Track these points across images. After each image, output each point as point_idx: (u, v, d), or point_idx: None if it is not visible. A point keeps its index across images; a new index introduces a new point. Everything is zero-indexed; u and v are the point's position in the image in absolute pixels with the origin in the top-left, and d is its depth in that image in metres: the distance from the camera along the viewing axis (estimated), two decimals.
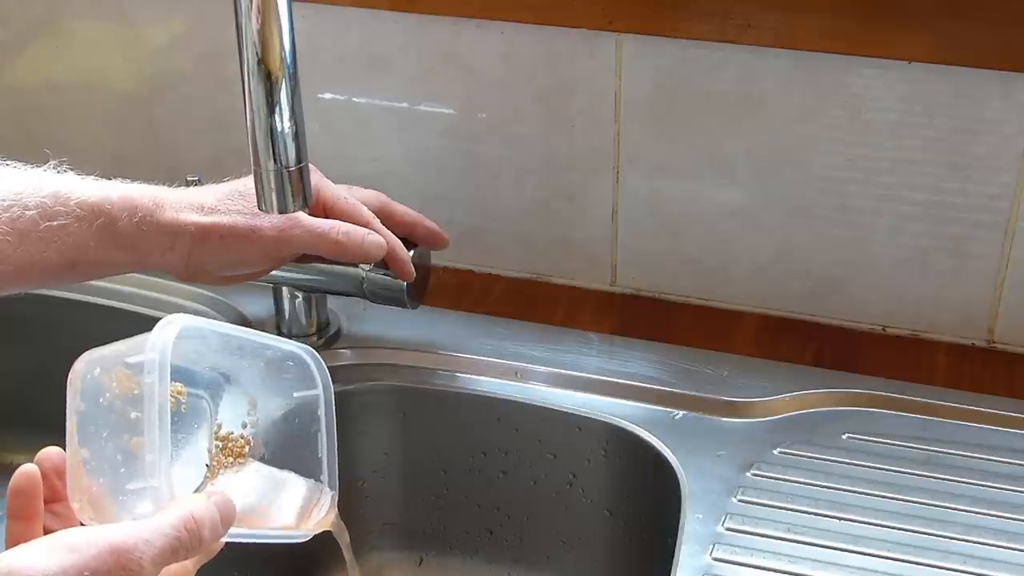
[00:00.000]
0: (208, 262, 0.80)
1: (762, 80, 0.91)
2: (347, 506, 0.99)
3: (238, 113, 0.67)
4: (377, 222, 0.87)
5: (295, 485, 0.71)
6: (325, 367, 0.71)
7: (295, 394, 0.71)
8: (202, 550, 0.59)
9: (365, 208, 0.87)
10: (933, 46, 0.86)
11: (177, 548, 0.57)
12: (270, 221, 0.80)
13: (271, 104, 0.66)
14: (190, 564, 0.61)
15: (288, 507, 0.70)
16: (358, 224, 0.85)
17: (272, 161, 0.67)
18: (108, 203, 0.77)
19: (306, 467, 0.71)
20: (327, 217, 0.86)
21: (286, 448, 0.71)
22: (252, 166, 0.70)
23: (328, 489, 0.71)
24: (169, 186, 0.82)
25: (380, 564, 1.00)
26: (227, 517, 0.60)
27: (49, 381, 1.07)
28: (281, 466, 0.71)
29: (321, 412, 0.71)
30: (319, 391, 0.71)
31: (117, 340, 0.67)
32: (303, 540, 0.69)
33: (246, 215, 0.80)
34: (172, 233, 0.79)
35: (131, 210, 0.78)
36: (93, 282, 1.02)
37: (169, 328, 0.60)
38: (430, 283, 0.92)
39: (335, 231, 0.83)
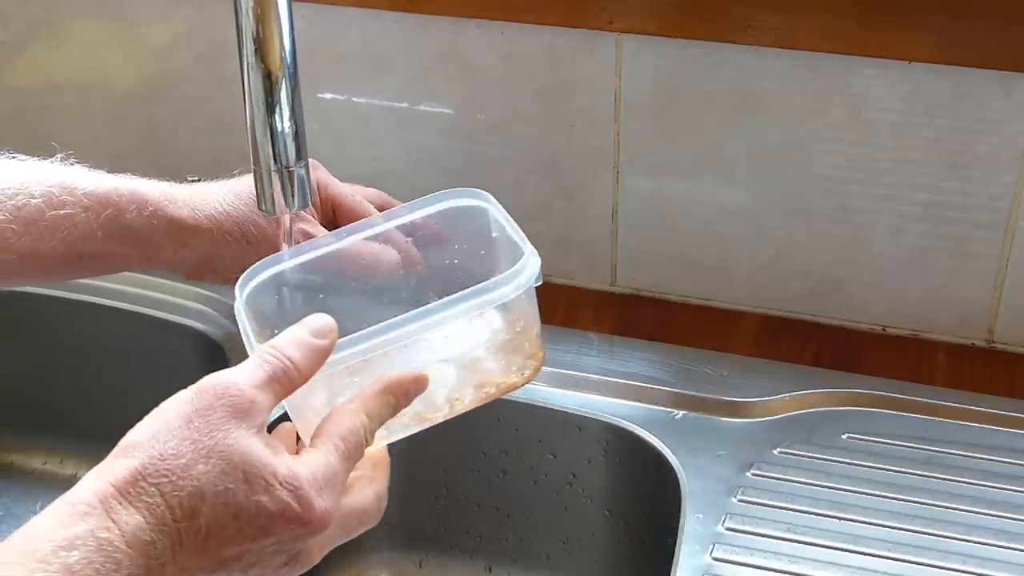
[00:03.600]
0: (224, 262, 0.79)
1: (762, 80, 0.91)
2: None
3: (238, 113, 0.67)
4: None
5: None
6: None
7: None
8: (300, 365, 0.58)
9: (371, 207, 0.87)
10: (933, 46, 0.86)
11: (268, 368, 0.57)
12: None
13: (271, 104, 0.66)
14: (359, 416, 0.59)
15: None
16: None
17: (272, 161, 0.67)
18: (116, 194, 0.76)
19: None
20: (334, 215, 0.86)
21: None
22: (252, 166, 0.69)
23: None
24: None
25: (380, 564, 1.00)
26: (319, 330, 0.59)
27: (49, 381, 1.08)
28: None
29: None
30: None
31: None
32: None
33: (261, 216, 0.79)
34: (187, 231, 0.78)
35: (140, 203, 0.77)
36: (94, 282, 1.02)
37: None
38: None
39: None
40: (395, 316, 0.61)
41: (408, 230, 0.72)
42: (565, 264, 1.04)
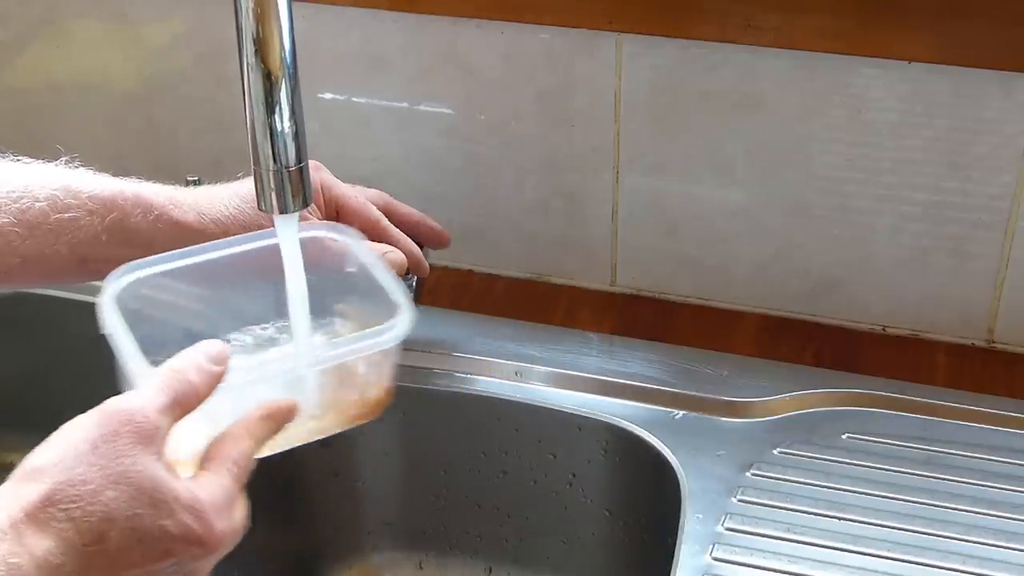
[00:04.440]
0: None
1: (762, 80, 0.91)
2: (347, 506, 0.99)
3: (238, 113, 0.67)
4: (386, 221, 0.87)
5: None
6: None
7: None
8: (199, 390, 0.60)
9: (374, 207, 0.87)
10: (933, 46, 0.86)
11: (171, 393, 0.58)
12: None
13: (271, 104, 0.65)
14: (247, 441, 0.62)
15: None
16: (367, 222, 0.85)
17: (272, 161, 0.67)
18: (121, 198, 0.76)
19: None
20: (338, 216, 0.86)
21: None
22: (252, 166, 0.69)
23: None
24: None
25: (380, 564, 1.00)
26: (214, 356, 0.61)
27: (49, 381, 1.08)
28: None
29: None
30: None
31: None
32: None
33: (266, 219, 0.79)
34: (193, 235, 0.78)
35: (145, 207, 0.77)
36: (95, 282, 1.02)
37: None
38: (426, 283, 0.92)
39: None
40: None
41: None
42: (565, 264, 1.04)
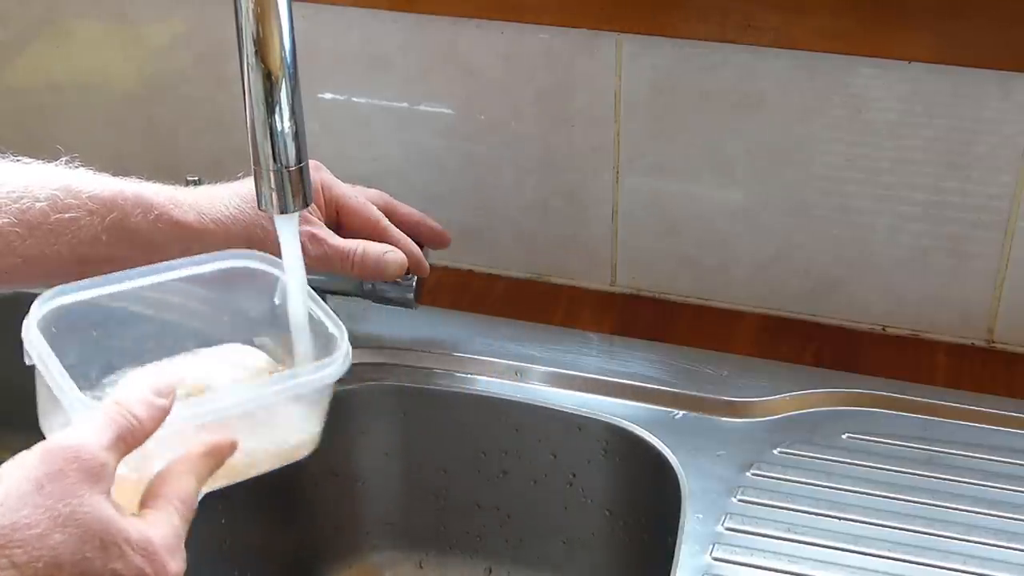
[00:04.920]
0: None
1: (762, 80, 0.91)
2: (347, 506, 0.99)
3: (238, 113, 0.67)
4: (386, 221, 0.87)
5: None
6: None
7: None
8: (145, 425, 0.58)
9: (374, 207, 0.87)
10: (933, 46, 0.86)
11: (115, 428, 0.56)
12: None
13: (271, 104, 0.65)
14: (190, 478, 0.60)
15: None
16: (367, 222, 0.86)
17: (272, 161, 0.67)
18: (121, 198, 0.76)
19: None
20: (338, 215, 0.86)
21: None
22: (252, 166, 0.69)
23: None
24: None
25: (380, 564, 1.00)
26: (159, 391, 0.59)
27: None
28: None
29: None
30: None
31: None
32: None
33: (267, 219, 0.79)
34: (193, 235, 0.78)
35: (146, 207, 0.77)
36: None
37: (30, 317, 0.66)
38: (426, 283, 0.92)
39: (354, 253, 0.83)
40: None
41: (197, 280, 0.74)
42: (565, 264, 1.04)
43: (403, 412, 0.95)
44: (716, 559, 0.76)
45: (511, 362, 0.93)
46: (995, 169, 0.89)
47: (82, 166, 0.78)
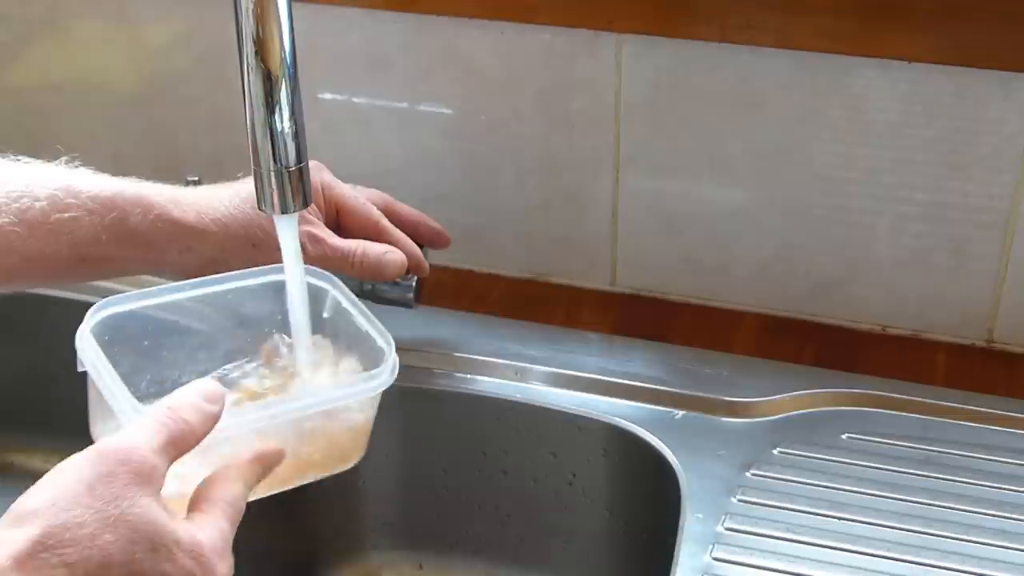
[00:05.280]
0: (229, 265, 0.79)
1: (762, 80, 0.91)
2: (347, 506, 0.99)
3: (238, 113, 0.67)
4: (386, 221, 0.87)
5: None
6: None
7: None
8: (196, 430, 0.58)
9: (374, 208, 0.87)
10: (933, 46, 0.86)
11: (166, 432, 0.56)
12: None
13: (271, 104, 0.66)
14: (239, 483, 0.61)
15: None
16: (367, 222, 0.86)
17: (272, 161, 0.67)
18: (121, 198, 0.76)
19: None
20: (338, 216, 0.86)
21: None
22: (252, 166, 0.69)
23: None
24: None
25: (380, 564, 1.00)
26: (210, 396, 0.60)
27: (49, 381, 1.07)
28: None
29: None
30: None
31: None
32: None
33: (267, 219, 0.79)
34: (194, 235, 0.78)
35: (146, 207, 0.77)
36: (94, 282, 1.02)
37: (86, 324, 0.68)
38: (426, 283, 0.92)
39: (354, 254, 0.83)
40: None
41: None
42: (565, 264, 1.04)
43: (403, 412, 0.95)
44: (716, 559, 0.76)
45: (511, 362, 0.93)
46: (995, 169, 0.89)
47: (82, 166, 0.78)
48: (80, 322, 0.70)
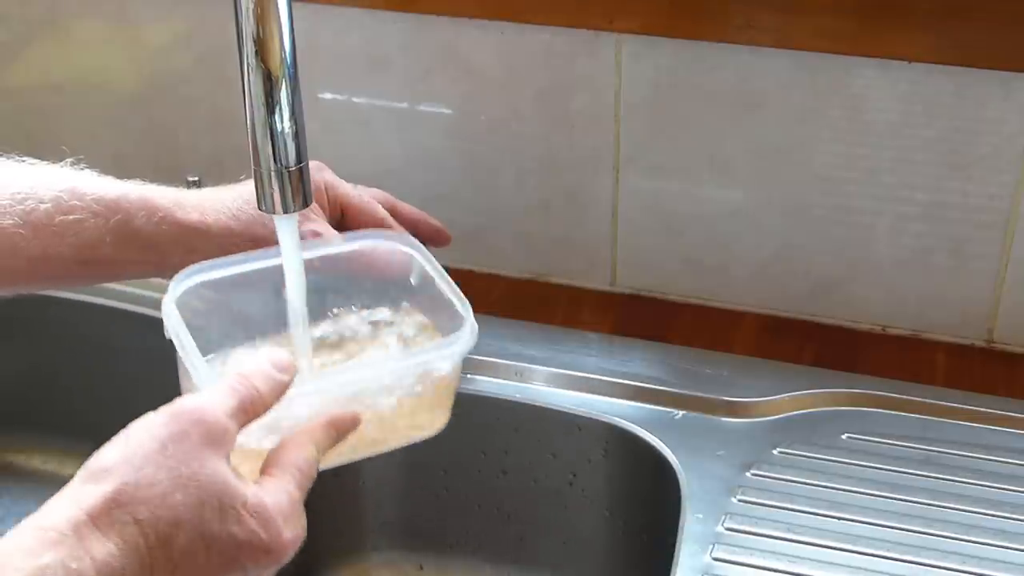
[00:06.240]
0: None
1: (762, 80, 0.91)
2: (347, 506, 0.99)
3: (238, 113, 0.67)
4: (391, 219, 0.87)
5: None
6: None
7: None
8: (266, 397, 0.59)
9: (379, 205, 0.87)
10: (933, 46, 0.86)
11: (237, 397, 0.57)
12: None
13: (271, 104, 0.65)
14: (310, 448, 0.61)
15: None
16: (372, 220, 0.86)
17: (272, 161, 0.67)
18: (126, 200, 0.76)
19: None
20: (343, 215, 0.86)
21: None
22: (252, 166, 0.69)
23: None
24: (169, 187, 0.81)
25: (380, 564, 1.00)
26: (281, 365, 0.61)
27: (50, 381, 1.08)
28: None
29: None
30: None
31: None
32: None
33: (270, 220, 0.79)
34: (197, 236, 0.78)
35: (150, 210, 0.77)
36: (94, 284, 1.02)
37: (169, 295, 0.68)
38: None
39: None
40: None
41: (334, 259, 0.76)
42: (565, 264, 1.04)
43: None
44: (716, 559, 0.76)
45: (511, 362, 0.93)
46: (995, 169, 0.89)
47: (87, 168, 0.78)
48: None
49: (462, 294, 0.71)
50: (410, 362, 0.69)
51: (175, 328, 0.66)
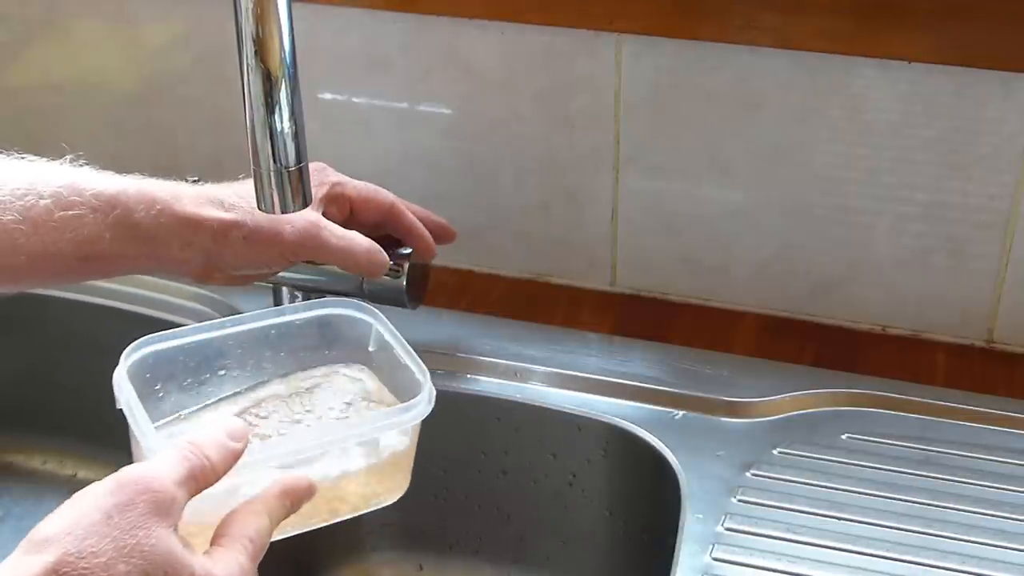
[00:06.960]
0: (228, 260, 0.79)
1: (762, 80, 0.91)
2: None
3: (238, 113, 0.67)
4: (400, 204, 0.88)
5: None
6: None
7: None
8: (217, 467, 0.58)
9: (386, 191, 0.88)
10: (933, 46, 0.86)
11: (188, 466, 0.57)
12: (292, 226, 0.79)
13: (271, 104, 0.66)
14: (263, 518, 0.60)
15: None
16: (382, 206, 0.86)
17: (272, 161, 0.67)
18: (125, 195, 0.76)
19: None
20: (352, 207, 0.86)
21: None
22: (252, 166, 0.69)
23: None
24: None
25: (380, 564, 1.00)
26: (235, 434, 0.60)
27: (49, 381, 1.07)
28: None
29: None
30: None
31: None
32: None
33: (269, 216, 0.79)
34: (192, 227, 0.78)
35: (149, 203, 0.77)
36: (94, 282, 1.02)
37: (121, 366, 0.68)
38: (430, 283, 0.92)
39: (354, 246, 0.83)
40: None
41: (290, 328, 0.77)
42: (565, 264, 1.04)
43: None
44: (716, 559, 0.76)
45: (511, 362, 0.93)
46: (995, 169, 0.89)
47: (87, 164, 0.78)
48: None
49: (420, 361, 0.71)
50: (364, 429, 0.68)
51: (126, 399, 0.65)
